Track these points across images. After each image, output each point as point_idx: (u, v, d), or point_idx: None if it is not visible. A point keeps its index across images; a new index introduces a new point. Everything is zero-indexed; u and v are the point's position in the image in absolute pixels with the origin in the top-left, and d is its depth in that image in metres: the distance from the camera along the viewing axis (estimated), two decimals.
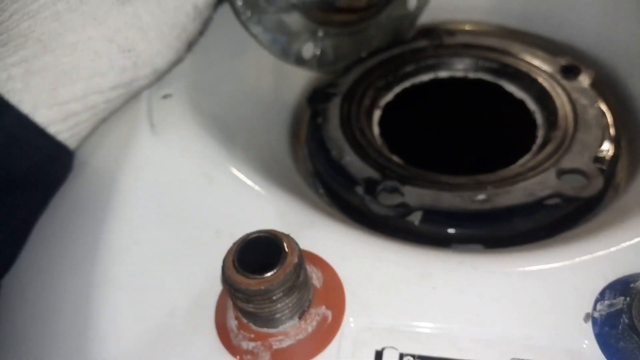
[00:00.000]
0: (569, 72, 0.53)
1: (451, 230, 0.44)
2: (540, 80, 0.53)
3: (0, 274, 0.42)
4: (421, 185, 0.45)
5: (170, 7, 0.41)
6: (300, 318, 0.32)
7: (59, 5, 0.38)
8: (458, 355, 0.32)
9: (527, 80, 0.54)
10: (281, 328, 0.32)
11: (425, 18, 0.60)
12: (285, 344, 0.32)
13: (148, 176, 0.41)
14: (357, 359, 0.32)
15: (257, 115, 0.50)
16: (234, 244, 0.31)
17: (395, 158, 0.49)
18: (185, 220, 0.39)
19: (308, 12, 0.54)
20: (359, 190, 0.46)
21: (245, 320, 0.33)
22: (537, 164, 0.46)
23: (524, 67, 0.55)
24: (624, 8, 0.54)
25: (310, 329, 0.33)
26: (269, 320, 0.32)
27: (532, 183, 0.44)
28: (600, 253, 0.35)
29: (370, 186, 0.46)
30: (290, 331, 0.32)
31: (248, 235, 0.32)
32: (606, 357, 0.31)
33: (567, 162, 0.45)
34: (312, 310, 0.33)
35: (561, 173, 0.45)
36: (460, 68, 0.57)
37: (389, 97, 0.56)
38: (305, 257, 0.35)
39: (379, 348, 0.33)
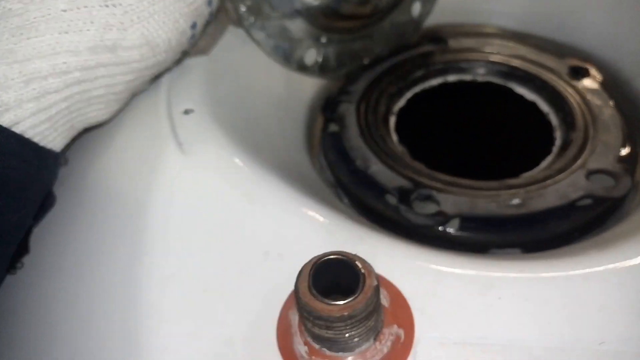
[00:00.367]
0: (578, 73, 0.54)
1: (489, 236, 0.44)
2: (551, 81, 0.54)
3: None
4: (455, 192, 0.45)
5: None
6: (375, 340, 0.32)
7: None
8: None
9: (537, 82, 0.55)
10: (357, 351, 0.31)
11: (430, 21, 0.60)
12: None
13: (182, 199, 0.39)
14: None
15: (275, 127, 0.49)
16: (305, 266, 0.30)
17: (419, 165, 0.49)
18: (228, 242, 0.37)
19: (312, 18, 0.52)
20: (390, 199, 0.46)
21: (317, 346, 0.31)
22: (564, 165, 0.46)
23: (532, 69, 0.55)
24: (628, 9, 0.56)
25: (385, 350, 0.32)
26: (347, 345, 0.31)
27: (563, 185, 0.45)
28: None
29: (404, 195, 0.45)
30: (367, 353, 0.31)
31: (319, 257, 0.30)
32: None
33: (594, 163, 0.46)
34: (386, 331, 0.32)
35: (589, 174, 0.45)
36: (468, 72, 0.57)
37: (401, 102, 0.55)
38: None
39: None
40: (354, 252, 0.36)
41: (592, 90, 0.52)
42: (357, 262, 0.30)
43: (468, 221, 0.44)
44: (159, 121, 0.43)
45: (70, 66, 0.35)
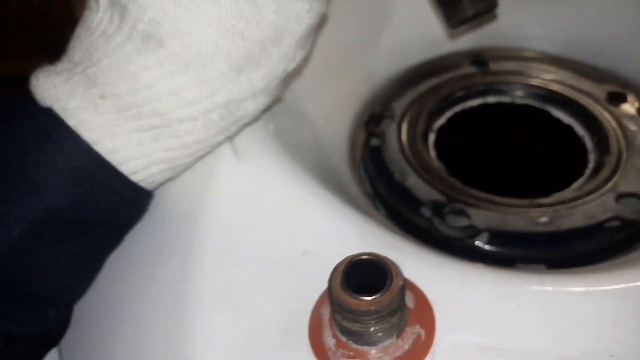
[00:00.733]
0: (616, 98, 0.56)
1: (516, 251, 0.46)
2: (588, 106, 0.56)
3: (72, 301, 0.44)
4: (486, 207, 0.47)
5: (281, 69, 0.41)
6: (397, 337, 0.34)
7: (177, 79, 0.38)
8: None
9: (574, 106, 0.56)
10: (380, 346, 0.34)
11: (472, 43, 0.63)
12: None
13: (234, 200, 0.43)
14: None
15: (322, 140, 0.53)
16: (339, 264, 0.33)
17: (454, 181, 0.52)
18: (272, 241, 0.41)
19: None
20: (424, 212, 0.49)
21: (344, 339, 0.35)
22: (595, 187, 0.48)
23: (570, 94, 0.57)
24: None
25: (406, 347, 0.35)
26: (371, 339, 0.34)
27: (592, 206, 0.47)
28: None
29: (437, 208, 0.48)
30: (389, 349, 0.34)
31: (353, 257, 0.33)
32: None
33: (625, 186, 0.48)
34: (408, 329, 0.35)
35: (619, 197, 0.47)
36: (507, 94, 0.60)
37: (442, 121, 0.58)
38: None
39: None
40: (387, 256, 0.40)
41: (628, 116, 0.54)
42: (386, 263, 0.33)
43: (496, 235, 0.46)
44: None
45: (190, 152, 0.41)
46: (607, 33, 0.59)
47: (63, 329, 0.44)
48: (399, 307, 0.33)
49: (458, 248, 0.47)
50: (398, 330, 0.34)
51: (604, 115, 0.54)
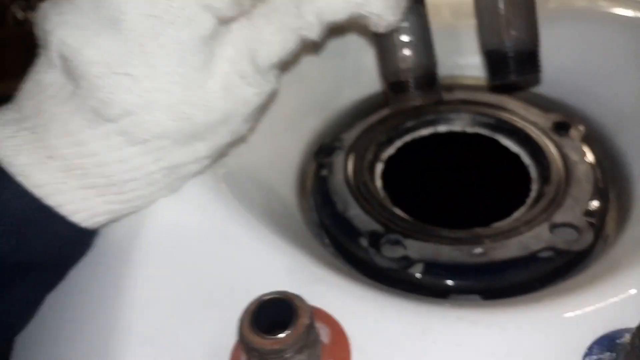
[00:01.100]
0: (561, 128, 0.56)
1: (450, 282, 0.46)
2: (534, 135, 0.56)
3: (13, 336, 0.45)
4: (422, 238, 0.48)
5: (226, 141, 0.43)
6: None
7: (125, 150, 0.40)
8: None
9: (521, 135, 0.57)
10: None
11: None
12: None
13: (167, 235, 0.44)
14: None
15: (264, 170, 0.53)
16: (250, 304, 0.34)
17: (397, 211, 0.52)
18: (202, 277, 0.42)
19: None
20: (363, 242, 0.49)
21: None
22: (532, 217, 0.49)
23: (518, 123, 0.58)
24: (613, 66, 0.58)
25: None
26: None
27: (526, 237, 0.47)
28: (589, 309, 0.37)
29: (374, 239, 0.49)
30: None
31: (263, 296, 0.34)
32: None
33: (560, 217, 0.48)
34: None
35: (554, 227, 0.48)
36: (458, 123, 0.60)
37: (391, 150, 0.59)
38: (315, 314, 0.38)
39: None
40: (311, 291, 0.41)
41: (571, 145, 0.55)
42: (294, 301, 0.34)
43: (431, 267, 0.46)
44: None
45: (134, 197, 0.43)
46: (555, 62, 0.59)
47: None
48: (306, 345, 0.34)
49: (394, 279, 0.47)
50: None
51: (548, 144, 0.55)
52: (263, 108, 0.46)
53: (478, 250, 0.47)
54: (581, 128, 0.56)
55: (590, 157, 0.54)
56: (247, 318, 0.34)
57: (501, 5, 0.45)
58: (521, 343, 0.36)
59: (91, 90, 0.38)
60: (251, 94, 0.41)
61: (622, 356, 0.33)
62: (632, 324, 0.34)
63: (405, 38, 0.47)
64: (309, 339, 0.34)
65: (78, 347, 0.42)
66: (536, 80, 0.53)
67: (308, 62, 0.59)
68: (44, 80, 0.40)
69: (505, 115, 0.59)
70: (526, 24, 0.46)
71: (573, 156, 0.53)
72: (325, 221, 0.53)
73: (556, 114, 0.58)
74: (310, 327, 0.34)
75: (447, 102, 0.61)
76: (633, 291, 0.38)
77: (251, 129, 0.47)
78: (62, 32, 0.38)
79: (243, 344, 0.33)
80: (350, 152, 0.57)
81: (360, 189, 0.53)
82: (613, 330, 0.36)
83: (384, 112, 0.61)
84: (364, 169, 0.56)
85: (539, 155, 0.55)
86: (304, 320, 0.33)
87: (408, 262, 0.47)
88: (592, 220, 0.48)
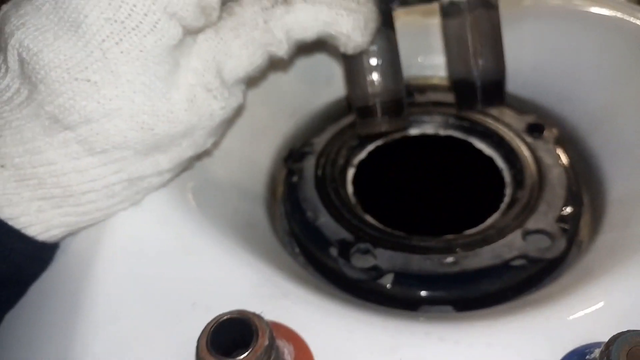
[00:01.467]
0: (534, 130, 0.56)
1: (421, 293, 0.45)
2: (508, 137, 0.55)
3: None
4: (393, 247, 0.47)
5: (189, 154, 0.42)
6: None
7: (81, 160, 0.38)
8: None
9: (495, 138, 0.56)
10: None
11: None
12: None
13: (127, 249, 0.42)
14: None
15: (232, 178, 0.52)
16: (208, 324, 0.33)
17: (368, 218, 0.51)
18: (162, 293, 0.40)
19: None
20: (333, 252, 0.48)
21: None
22: (504, 224, 0.48)
23: (492, 125, 0.57)
24: (587, 66, 0.57)
25: None
26: None
27: (498, 245, 0.46)
28: (560, 322, 0.37)
29: (344, 248, 0.47)
30: None
31: (220, 316, 0.33)
32: None
33: (533, 223, 0.47)
34: None
35: (527, 233, 0.47)
36: (431, 125, 0.59)
37: (362, 155, 0.58)
38: (277, 331, 0.36)
39: None
40: (276, 307, 0.39)
41: (544, 148, 0.54)
42: (253, 321, 0.33)
43: (401, 277, 0.45)
44: None
45: (91, 210, 0.41)
46: (529, 63, 0.58)
47: None
48: None
49: (364, 289, 0.46)
50: None
51: (521, 147, 0.54)
52: (229, 122, 0.44)
53: (449, 259, 0.46)
54: (554, 130, 0.55)
55: (563, 159, 0.53)
56: (204, 339, 0.32)
57: (469, 35, 0.45)
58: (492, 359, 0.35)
59: (50, 96, 0.36)
60: (217, 107, 0.40)
61: None
62: (603, 337, 0.33)
63: (374, 62, 0.46)
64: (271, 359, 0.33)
65: None
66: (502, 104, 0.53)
67: (278, 65, 0.57)
68: None
69: (479, 117, 0.58)
70: (494, 53, 0.46)
71: (547, 159, 0.53)
72: (295, 230, 0.51)
73: (530, 115, 0.57)
74: (271, 348, 0.32)
75: (419, 104, 0.60)
76: (603, 303, 0.37)
77: (215, 144, 0.46)
78: (21, 34, 0.36)
79: None
80: (321, 156, 0.56)
81: (331, 196, 0.52)
82: (582, 345, 0.35)
83: (354, 116, 0.60)
84: (335, 174, 0.54)
85: (513, 159, 0.54)
86: (263, 341, 0.32)
87: (378, 272, 0.45)
88: (566, 226, 0.47)
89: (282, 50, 0.41)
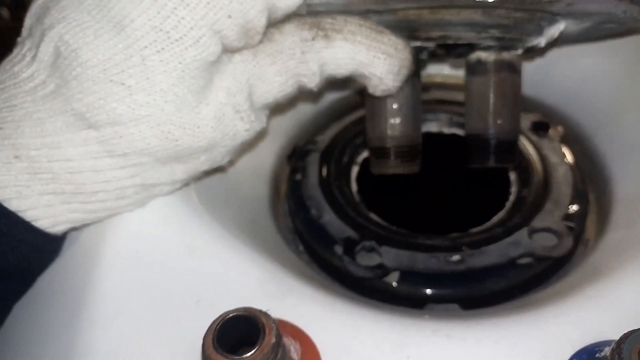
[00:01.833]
0: (539, 128, 0.55)
1: (427, 291, 0.45)
2: None
3: None
4: (398, 245, 0.46)
5: (205, 168, 0.42)
6: None
7: (100, 161, 0.38)
8: None
9: None
10: None
11: None
12: None
13: (131, 247, 0.42)
14: None
15: (236, 175, 0.51)
16: (214, 322, 0.32)
17: (373, 216, 0.51)
18: (166, 291, 0.40)
19: None
20: (338, 250, 0.48)
21: None
22: (510, 223, 0.48)
23: None
24: (593, 64, 0.57)
25: None
26: None
27: (505, 243, 0.46)
28: (568, 320, 0.36)
29: (349, 246, 0.47)
30: None
31: (227, 313, 0.32)
32: None
33: (539, 221, 0.47)
34: None
35: (533, 232, 0.46)
36: (435, 124, 0.59)
37: (366, 153, 0.57)
38: (284, 329, 0.36)
39: None
40: (281, 304, 0.39)
41: (550, 147, 0.53)
42: (260, 319, 0.32)
43: (407, 275, 0.45)
44: None
45: (98, 208, 0.41)
46: (534, 61, 0.58)
47: None
48: None
49: (370, 288, 0.46)
50: None
51: (526, 146, 0.54)
52: (248, 144, 0.45)
53: (455, 257, 0.45)
54: (560, 128, 0.55)
55: (569, 158, 0.53)
56: (210, 337, 0.32)
57: (491, 94, 0.46)
58: (499, 358, 0.35)
59: (81, 93, 0.36)
60: (242, 129, 0.40)
61: None
62: (612, 335, 0.33)
63: (396, 106, 0.47)
64: (277, 358, 0.32)
65: None
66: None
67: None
68: (21, 74, 0.37)
69: None
70: (512, 115, 0.47)
71: (552, 157, 0.52)
72: (299, 227, 0.51)
73: (535, 113, 0.57)
74: (277, 346, 0.32)
75: (423, 102, 0.59)
76: (612, 301, 0.37)
77: (231, 162, 0.46)
78: (62, 28, 0.35)
79: None
80: (325, 154, 0.56)
81: (335, 194, 0.52)
82: (592, 343, 0.34)
83: (359, 113, 0.60)
84: (339, 173, 0.54)
85: (518, 157, 0.54)
86: (270, 339, 0.31)
87: (383, 270, 0.45)
88: (572, 224, 0.47)
89: (313, 82, 0.41)
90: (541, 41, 0.46)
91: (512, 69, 0.47)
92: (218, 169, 0.45)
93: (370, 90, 0.44)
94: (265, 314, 0.33)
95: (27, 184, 0.38)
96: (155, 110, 0.36)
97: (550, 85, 0.58)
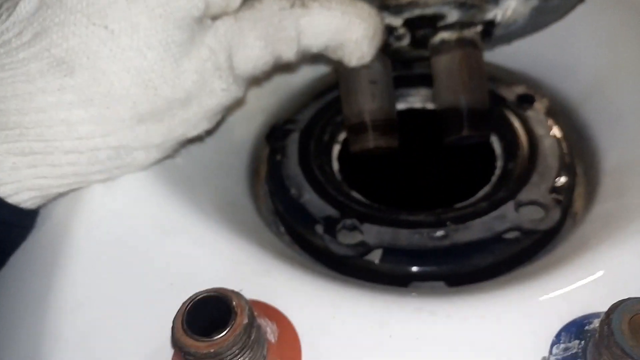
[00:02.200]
0: (525, 101, 0.54)
1: (411, 269, 0.43)
2: (498, 109, 0.53)
3: None
4: (380, 222, 0.45)
5: (180, 132, 0.40)
6: None
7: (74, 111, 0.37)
8: None
9: None
10: None
11: None
12: None
13: (102, 230, 0.40)
14: None
15: (213, 156, 0.50)
16: (183, 304, 0.31)
17: (355, 194, 0.49)
18: (139, 273, 0.38)
19: None
20: (319, 229, 0.46)
21: None
22: (496, 196, 0.46)
23: None
24: (577, 36, 0.55)
25: None
26: None
27: (490, 217, 0.44)
28: (556, 293, 0.35)
29: (330, 225, 0.45)
30: None
31: (197, 295, 0.31)
32: None
33: (525, 194, 0.45)
34: None
35: (519, 205, 0.45)
36: (418, 99, 0.57)
37: None
38: (260, 310, 0.35)
39: None
40: (257, 285, 0.37)
41: (536, 119, 0.52)
42: (232, 299, 0.31)
43: (390, 252, 0.44)
44: None
45: (68, 173, 0.39)
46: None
47: None
48: (247, 345, 0.30)
49: (352, 267, 0.44)
50: None
51: (512, 118, 0.52)
52: (224, 113, 0.44)
53: (439, 233, 0.44)
54: (545, 101, 0.53)
55: (555, 130, 0.51)
56: (180, 319, 0.30)
57: (458, 68, 0.48)
58: (485, 334, 0.34)
59: (62, 38, 0.35)
60: (219, 87, 0.40)
61: (590, 344, 0.30)
62: (602, 307, 0.32)
63: (371, 81, 0.48)
64: (251, 339, 0.31)
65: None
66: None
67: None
68: None
69: None
70: (480, 87, 0.49)
71: (538, 130, 0.51)
72: (279, 208, 0.49)
73: (520, 86, 0.55)
74: (251, 326, 0.30)
75: (405, 77, 0.58)
76: (601, 272, 0.36)
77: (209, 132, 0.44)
78: None
79: (177, 348, 0.30)
80: (305, 133, 0.54)
81: (315, 172, 0.50)
82: (581, 316, 0.33)
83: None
84: (320, 151, 0.52)
85: (504, 130, 0.52)
86: (242, 320, 0.30)
87: (366, 248, 0.44)
88: (559, 197, 0.46)
89: (291, 51, 0.42)
90: (497, 14, 0.48)
91: (474, 45, 0.49)
92: (196, 139, 0.44)
93: (346, 60, 0.45)
94: (237, 294, 0.31)
95: None
96: (137, 55, 0.36)
97: (535, 57, 0.57)
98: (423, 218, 0.45)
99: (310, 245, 0.46)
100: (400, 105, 0.57)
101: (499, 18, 0.48)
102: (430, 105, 0.57)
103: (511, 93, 0.55)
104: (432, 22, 0.48)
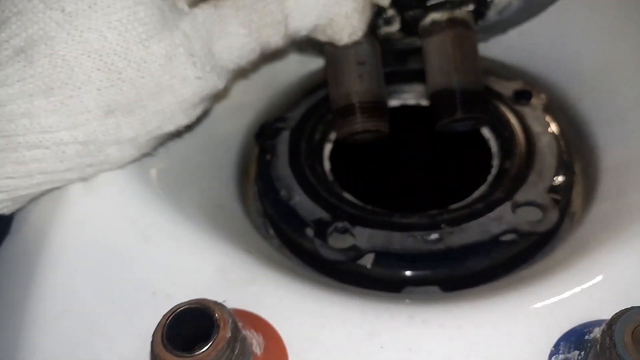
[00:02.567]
0: (522, 97, 0.52)
1: (405, 273, 0.42)
2: (493, 106, 0.52)
3: None
4: (372, 225, 0.43)
5: (154, 125, 0.38)
6: None
7: (35, 102, 0.35)
8: None
9: None
10: None
11: None
12: None
13: (81, 236, 0.38)
14: None
15: (199, 157, 0.48)
16: (163, 317, 0.29)
17: (347, 195, 0.48)
18: (119, 282, 0.37)
19: None
20: (309, 232, 0.44)
21: None
22: (492, 197, 0.45)
23: None
24: (574, 32, 0.53)
25: None
26: None
27: (486, 219, 0.43)
28: (554, 299, 0.33)
29: (321, 228, 0.44)
30: None
31: (177, 307, 0.29)
32: None
33: (522, 195, 0.44)
34: None
35: (516, 206, 0.43)
36: (412, 95, 0.56)
37: None
38: (245, 320, 0.33)
39: None
40: (243, 293, 0.36)
41: (533, 116, 0.50)
42: (215, 311, 0.29)
43: (382, 257, 0.42)
44: None
45: (42, 181, 0.38)
46: (516, 29, 0.55)
47: None
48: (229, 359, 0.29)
49: (343, 271, 0.43)
50: None
51: (509, 115, 0.51)
52: (204, 107, 0.42)
53: (434, 236, 0.42)
54: (543, 96, 0.52)
55: (553, 127, 0.49)
56: (159, 333, 0.29)
57: (451, 49, 0.46)
58: (479, 343, 0.32)
59: (20, 28, 0.34)
60: (192, 74, 0.38)
61: (591, 355, 0.29)
62: (602, 314, 0.30)
63: (359, 62, 0.47)
64: (235, 353, 0.29)
65: None
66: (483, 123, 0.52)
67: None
68: None
69: None
70: (473, 67, 0.47)
71: (535, 127, 0.49)
72: (269, 210, 0.48)
73: (516, 81, 0.54)
74: (234, 340, 0.29)
75: (399, 73, 0.56)
76: (600, 277, 0.34)
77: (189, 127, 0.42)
78: None
79: None
80: (296, 132, 0.52)
81: (306, 173, 0.48)
82: (581, 324, 0.31)
83: None
84: (311, 151, 0.51)
85: (500, 127, 0.51)
86: (224, 333, 0.28)
87: (357, 252, 0.42)
88: (557, 197, 0.44)
89: (279, 35, 0.41)
90: None
91: (466, 26, 0.47)
92: (175, 135, 0.42)
93: (337, 37, 0.43)
94: (220, 306, 0.29)
95: None
96: (96, 36, 0.34)
97: (532, 52, 0.55)
98: (417, 220, 0.44)
99: (300, 249, 0.45)
100: (394, 102, 0.56)
101: None
102: (424, 102, 0.55)
103: (508, 88, 0.53)
104: (421, 1, 0.47)
